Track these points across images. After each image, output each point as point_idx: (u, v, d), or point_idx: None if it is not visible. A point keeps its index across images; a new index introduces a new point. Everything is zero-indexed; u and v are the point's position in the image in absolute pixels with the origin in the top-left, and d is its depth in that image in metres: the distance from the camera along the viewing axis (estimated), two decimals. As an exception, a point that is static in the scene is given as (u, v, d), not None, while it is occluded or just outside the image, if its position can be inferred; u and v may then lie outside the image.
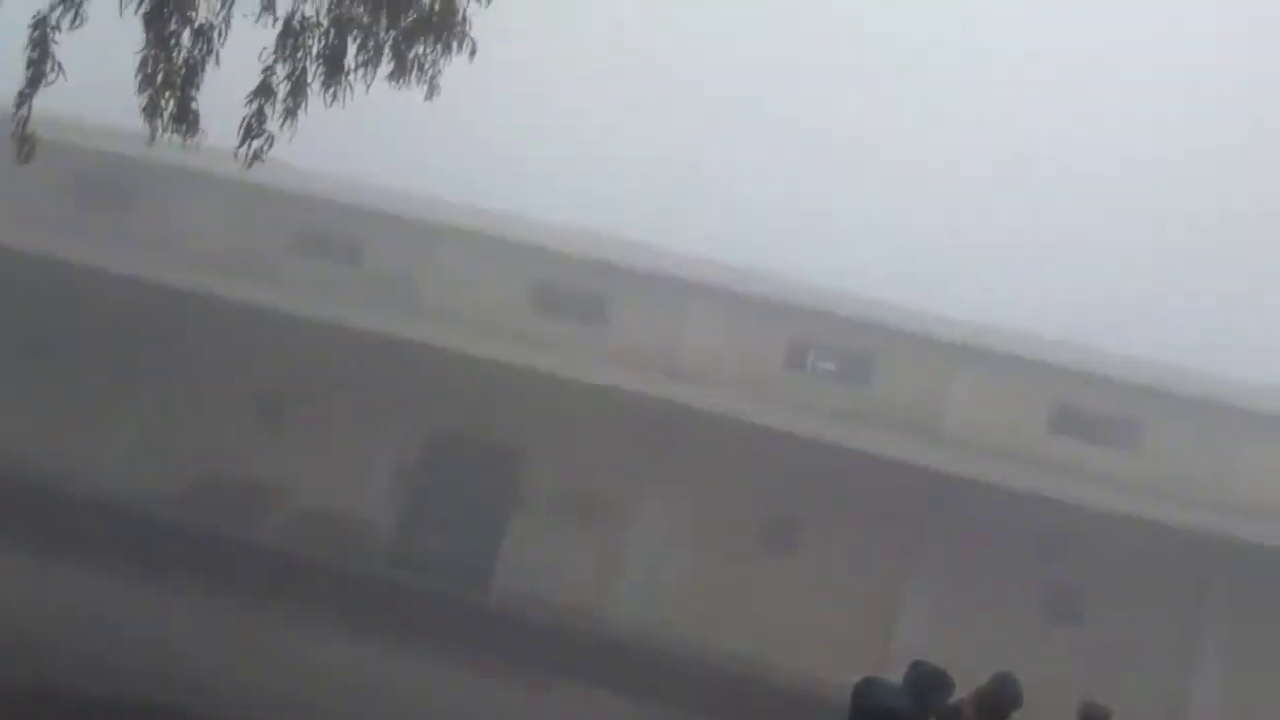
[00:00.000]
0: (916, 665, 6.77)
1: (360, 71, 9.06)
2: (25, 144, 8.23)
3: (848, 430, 19.23)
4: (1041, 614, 19.04)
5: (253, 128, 8.63)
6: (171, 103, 8.65)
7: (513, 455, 20.39)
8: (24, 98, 8.19)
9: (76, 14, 8.02)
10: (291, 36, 8.77)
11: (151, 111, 8.79)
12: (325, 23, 8.90)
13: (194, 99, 8.70)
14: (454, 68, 9.46)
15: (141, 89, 8.71)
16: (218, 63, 8.64)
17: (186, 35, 8.52)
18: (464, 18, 9.19)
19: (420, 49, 9.25)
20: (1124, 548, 18.31)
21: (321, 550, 18.68)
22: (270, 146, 8.78)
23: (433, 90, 9.52)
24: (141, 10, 8.23)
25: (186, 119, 8.74)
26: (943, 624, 18.77)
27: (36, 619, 11.63)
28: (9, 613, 11.18)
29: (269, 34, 8.73)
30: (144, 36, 8.52)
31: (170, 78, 8.60)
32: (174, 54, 8.54)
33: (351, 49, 9.02)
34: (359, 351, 19.66)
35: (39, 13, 8.05)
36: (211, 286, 19.94)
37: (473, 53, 9.31)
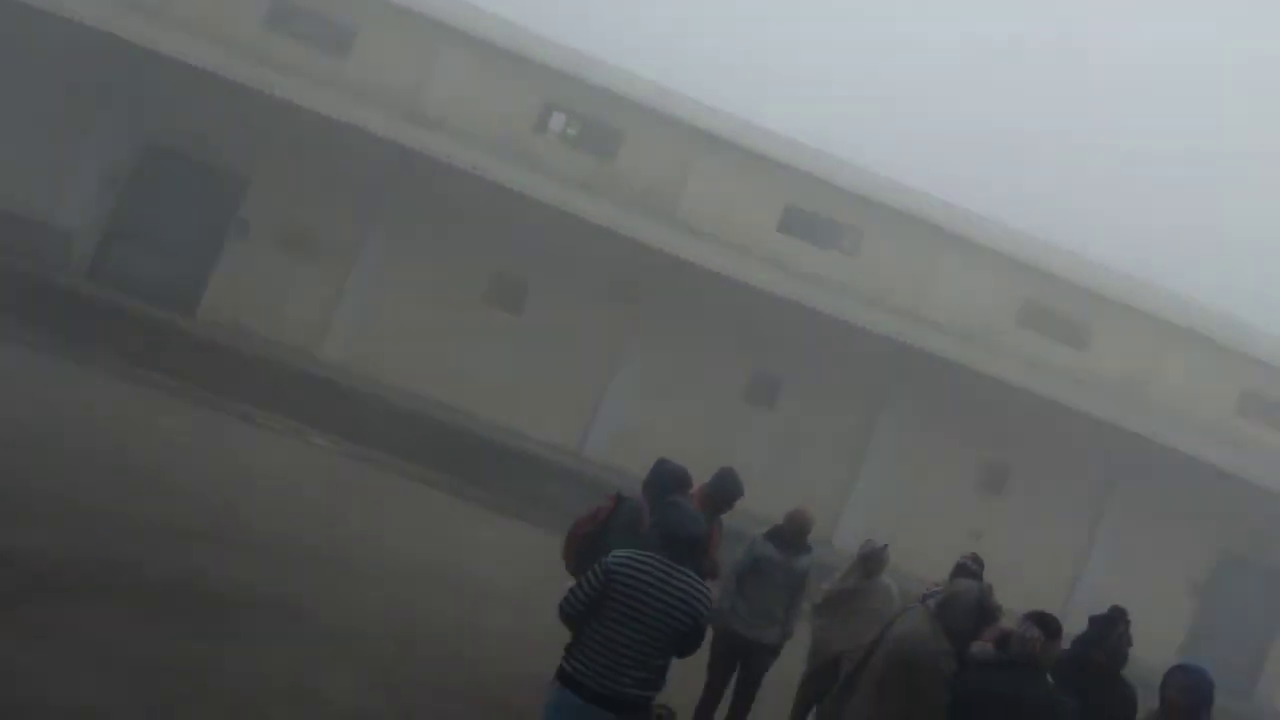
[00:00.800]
0: (662, 462, 7.12)
1: None
2: None
3: (586, 200, 19.34)
4: (744, 397, 20.34)
5: None
6: None
7: (237, 178, 19.33)
8: None
9: None
10: None
11: None
12: None
13: None
14: None
15: None
16: None
17: None
18: None
19: None
20: (822, 343, 19.66)
21: (11, 255, 17.33)
22: None
23: None
24: None
25: None
26: (650, 395, 19.79)
27: None
28: None
29: None
30: None
31: None
32: None
33: None
34: (68, 44, 17.77)
35: None
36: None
37: None
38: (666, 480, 6.91)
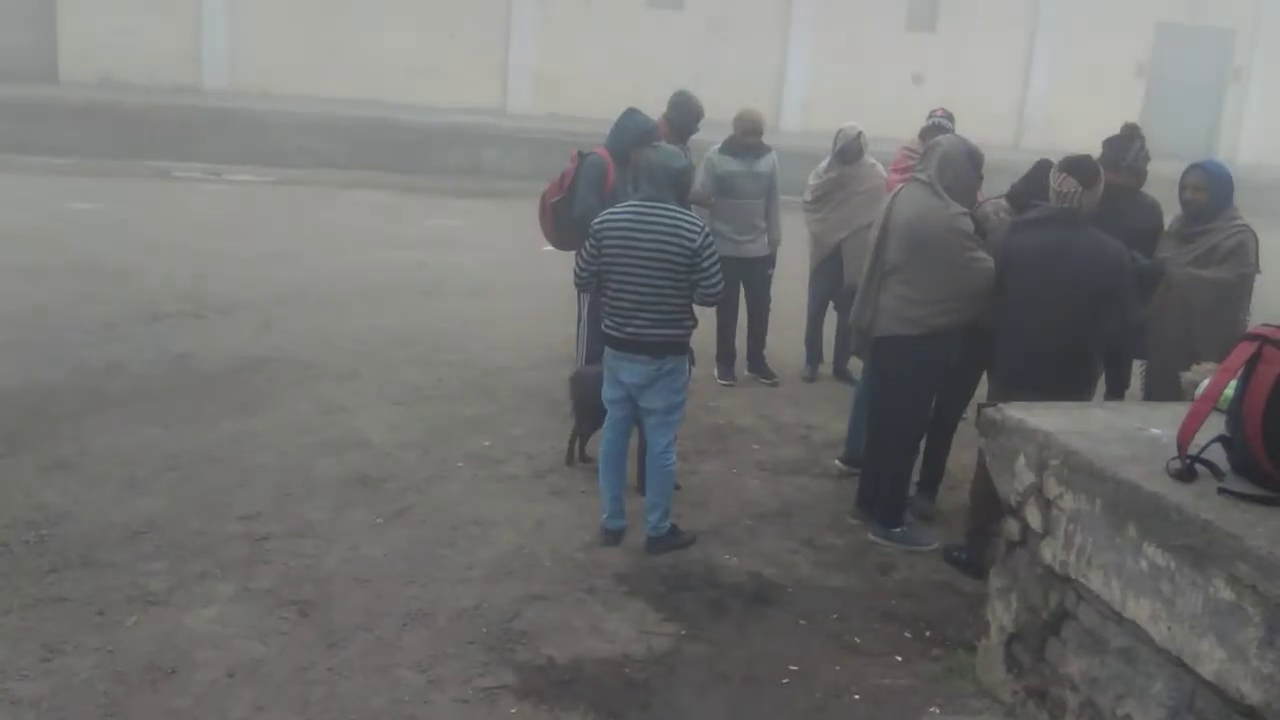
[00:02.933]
0: (630, 113, 6.67)
1: None
2: None
3: None
4: (650, 2, 19.29)
5: None
6: None
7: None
8: None
9: None
10: None
11: None
12: None
13: None
14: None
15: None
16: None
17: None
18: None
19: None
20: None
21: None
22: None
23: None
24: None
25: None
26: (554, 31, 18.72)
27: None
28: None
29: None
30: None
31: None
32: None
33: None
34: None
35: None
36: None
37: None
38: (634, 132, 6.51)
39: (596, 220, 5.08)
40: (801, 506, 5.82)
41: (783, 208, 7.95)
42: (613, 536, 5.21)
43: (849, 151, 7.70)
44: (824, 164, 7.92)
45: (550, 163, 9.30)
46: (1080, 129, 13.49)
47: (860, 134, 7.73)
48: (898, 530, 5.46)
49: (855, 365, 7.33)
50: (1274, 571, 2.81)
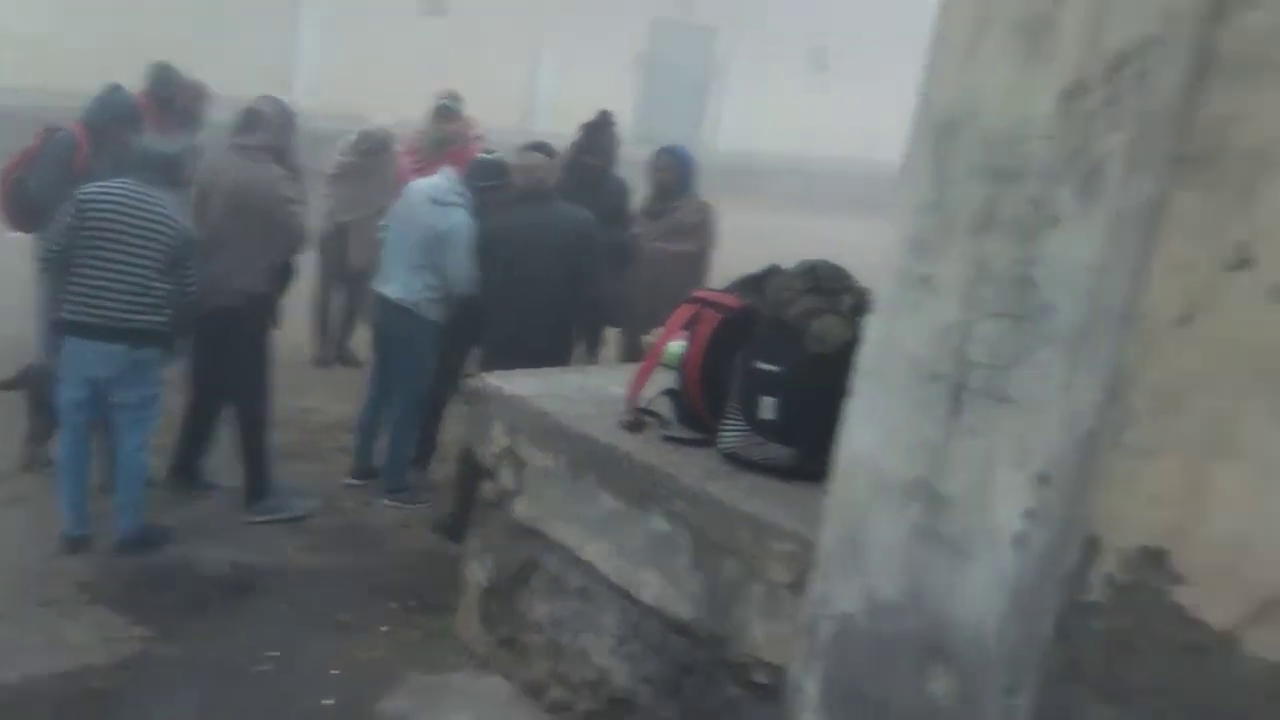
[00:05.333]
0: (115, 90, 6.23)
1: None
2: None
3: None
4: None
5: None
6: None
7: None
8: None
9: None
10: None
11: None
12: None
13: None
14: None
15: None
16: None
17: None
18: None
19: None
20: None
21: None
22: None
23: None
24: None
25: None
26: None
27: None
28: None
29: None
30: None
31: None
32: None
33: None
34: None
35: None
36: None
37: None
38: (117, 108, 6.07)
39: (83, 191, 4.73)
40: (293, 491, 5.59)
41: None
42: (74, 544, 4.78)
43: (371, 150, 7.59)
44: (348, 144, 7.74)
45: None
46: (583, 114, 14.22)
47: (386, 135, 7.62)
48: (269, 504, 5.34)
49: (359, 344, 7.22)
50: (699, 501, 3.09)
